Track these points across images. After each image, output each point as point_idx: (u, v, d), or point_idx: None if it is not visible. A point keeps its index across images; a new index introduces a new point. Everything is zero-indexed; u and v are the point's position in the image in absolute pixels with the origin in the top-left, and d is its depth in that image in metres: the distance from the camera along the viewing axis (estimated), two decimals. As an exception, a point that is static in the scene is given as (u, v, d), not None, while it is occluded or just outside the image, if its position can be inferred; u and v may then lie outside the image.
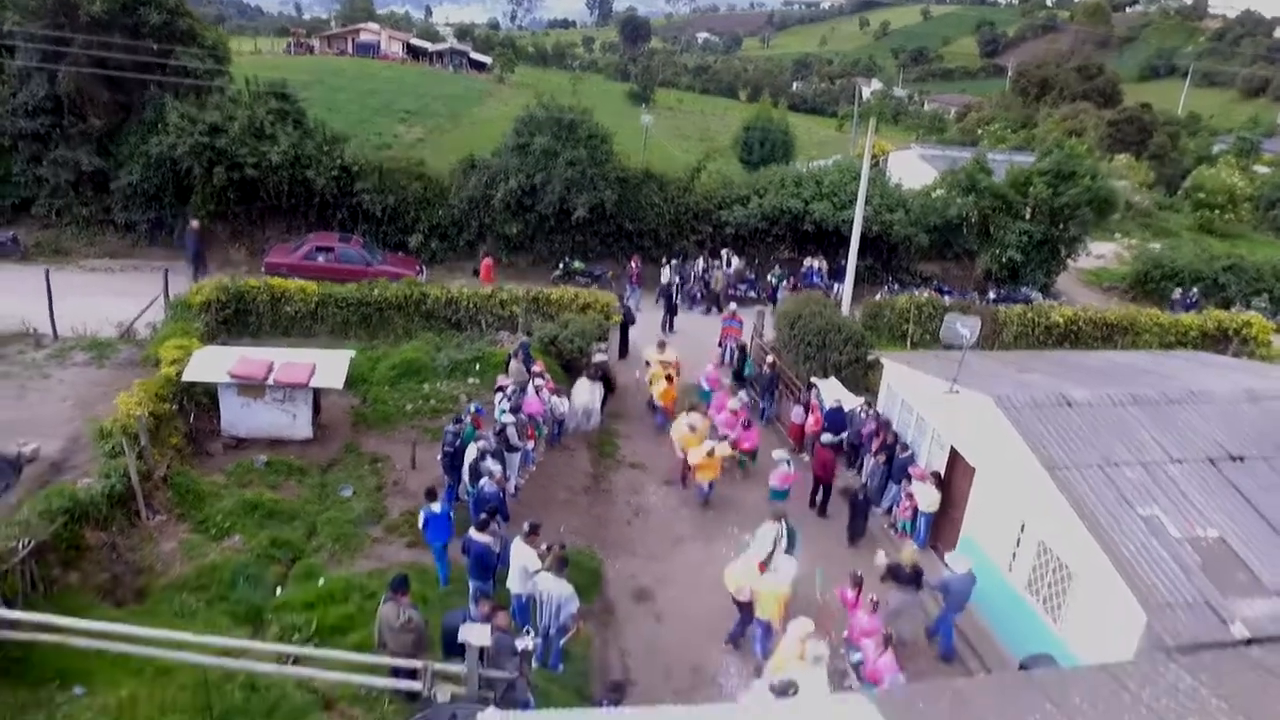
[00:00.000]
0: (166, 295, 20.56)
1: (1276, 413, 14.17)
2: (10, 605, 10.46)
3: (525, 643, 10.47)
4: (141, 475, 13.75)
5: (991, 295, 29.96)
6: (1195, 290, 32.24)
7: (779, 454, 17.21)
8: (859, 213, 23.90)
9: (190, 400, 16.60)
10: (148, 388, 15.38)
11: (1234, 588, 11.11)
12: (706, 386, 20.86)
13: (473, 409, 16.13)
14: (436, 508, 13.44)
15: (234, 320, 20.77)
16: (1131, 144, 58.89)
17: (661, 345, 21.23)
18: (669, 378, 20.14)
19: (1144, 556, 11.27)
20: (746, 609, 13.39)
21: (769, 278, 29.44)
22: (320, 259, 24.60)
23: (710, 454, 16.93)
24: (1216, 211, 46.50)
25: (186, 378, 16.22)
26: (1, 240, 25.22)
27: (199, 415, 16.76)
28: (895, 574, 13.32)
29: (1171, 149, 61.24)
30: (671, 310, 26.12)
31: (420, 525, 13.73)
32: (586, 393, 19.20)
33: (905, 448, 17.11)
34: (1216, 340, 25.71)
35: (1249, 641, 10.47)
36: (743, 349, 22.91)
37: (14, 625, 10.22)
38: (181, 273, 24.31)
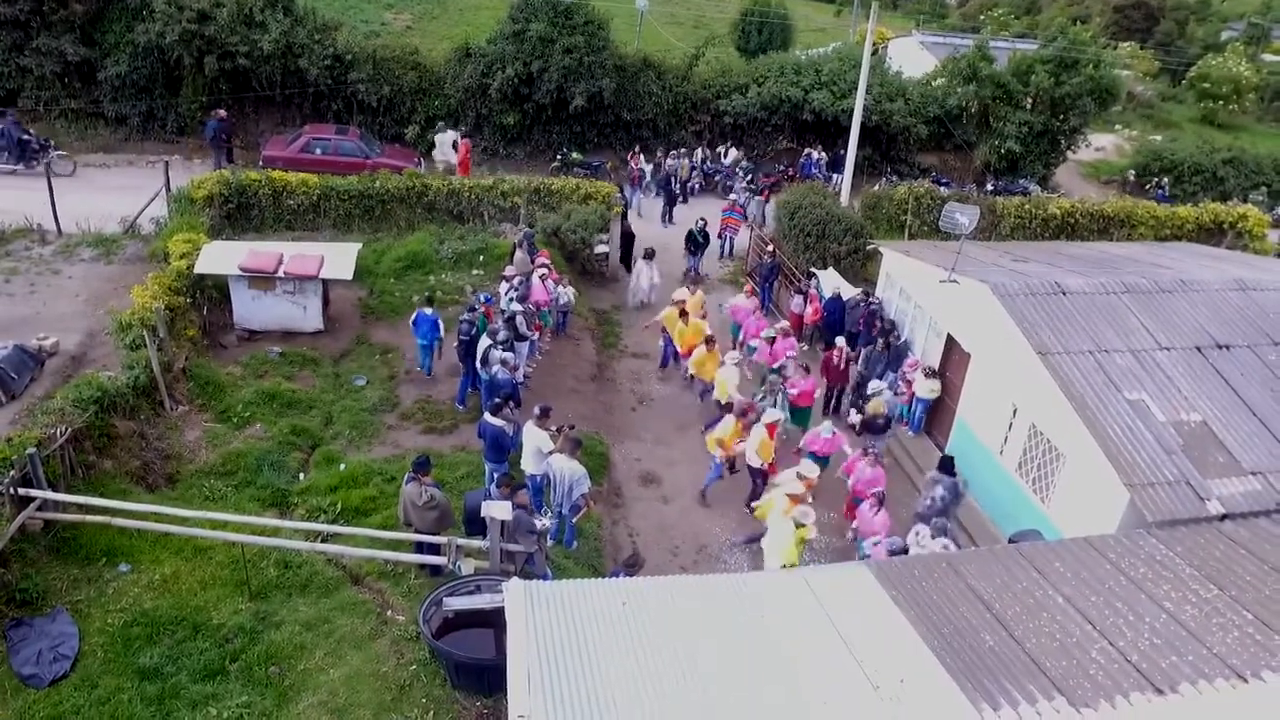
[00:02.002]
0: (168, 189, 20.49)
1: (1264, 303, 14.57)
2: (54, 489, 10.99)
3: (543, 522, 11.09)
4: (162, 366, 14.13)
5: (989, 187, 29.92)
6: (1165, 181, 32.44)
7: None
8: (859, 102, 23.69)
9: (203, 294, 16.88)
10: (161, 281, 15.62)
11: (1213, 468, 11.74)
12: (734, 319, 18.86)
13: (482, 299, 16.46)
14: (429, 311, 16.11)
15: (237, 214, 20.75)
16: (1137, 31, 57.51)
17: (686, 277, 19.60)
18: (683, 313, 17.56)
19: (1129, 438, 11.84)
20: (760, 475, 14.26)
21: (738, 170, 28.75)
22: (317, 151, 24.42)
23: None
24: (1220, 103, 45.80)
25: (199, 270, 16.44)
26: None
27: (211, 309, 17.05)
28: (870, 426, 15.15)
29: (1179, 36, 59.80)
30: (671, 201, 26.12)
31: (411, 321, 16.33)
32: (648, 274, 20.72)
33: (898, 335, 17.56)
34: (1212, 233, 25.91)
35: (1223, 517, 11.16)
36: (704, 229, 22.51)
37: (61, 507, 10.80)
38: (180, 167, 24.15)
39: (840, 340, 17.39)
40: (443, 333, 16.48)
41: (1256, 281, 15.12)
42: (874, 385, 16.03)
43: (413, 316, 16.38)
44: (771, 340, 17.05)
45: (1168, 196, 31.03)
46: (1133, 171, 33.28)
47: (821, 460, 14.35)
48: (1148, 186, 32.25)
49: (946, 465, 13.53)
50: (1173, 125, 44.04)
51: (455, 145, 25.87)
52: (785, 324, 18.49)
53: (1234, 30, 65.62)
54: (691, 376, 17.32)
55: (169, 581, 10.97)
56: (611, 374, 18.48)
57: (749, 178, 27.94)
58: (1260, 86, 47.89)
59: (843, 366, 17.18)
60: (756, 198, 26.08)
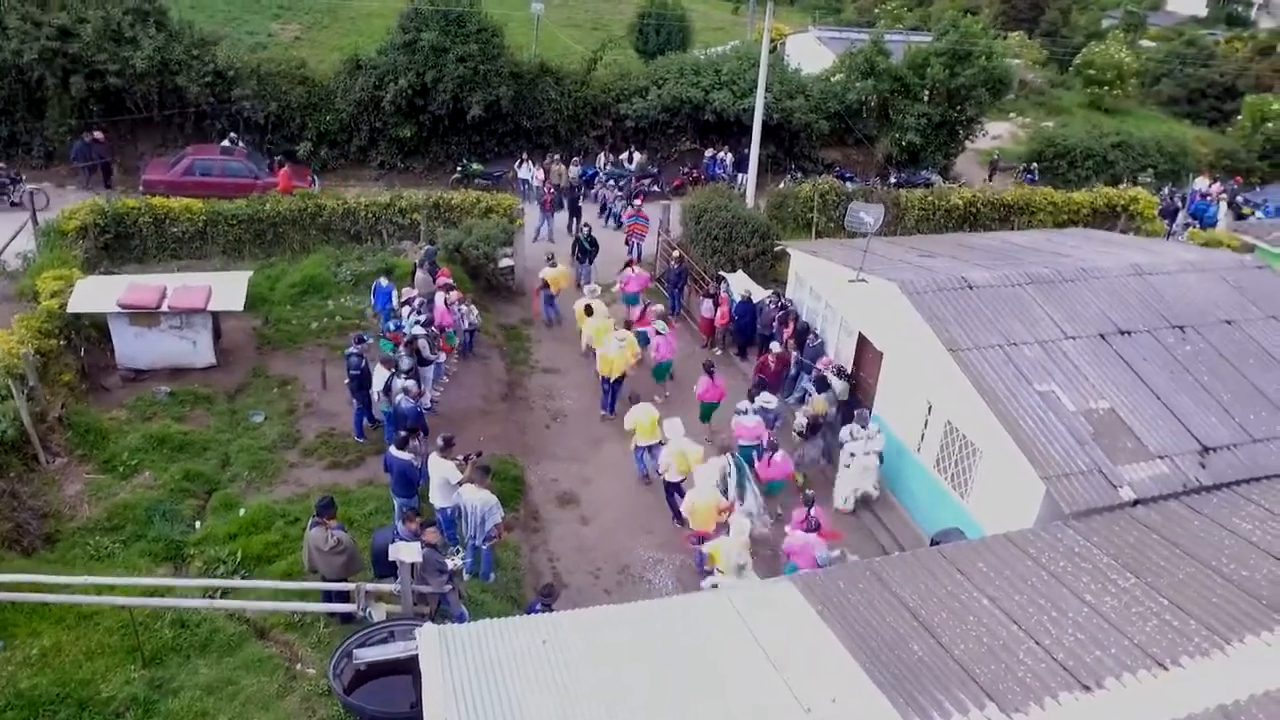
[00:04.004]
0: (35, 220, 19.16)
1: (1160, 287, 14.92)
2: (-92, 564, 10.01)
3: (454, 561, 10.57)
4: (35, 417, 13.10)
5: (893, 179, 30.32)
6: (1035, 166, 33.74)
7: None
8: (759, 101, 23.68)
9: (79, 335, 15.75)
10: (29, 323, 14.51)
11: (1122, 454, 11.90)
12: (630, 290, 19.99)
13: (392, 325, 15.82)
14: (385, 282, 17.84)
15: (115, 246, 19.51)
16: (1024, 21, 59.37)
17: (550, 258, 20.12)
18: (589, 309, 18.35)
19: (1042, 430, 11.92)
20: (676, 489, 13.96)
21: (617, 188, 27.84)
22: (200, 174, 23.26)
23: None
24: (1105, 88, 47.54)
25: (72, 309, 15.34)
26: None
27: (90, 350, 15.93)
28: (814, 427, 15.09)
29: (1063, 25, 61.92)
30: (575, 212, 25.60)
31: (372, 292, 17.98)
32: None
33: (816, 335, 17.51)
34: (1106, 217, 26.68)
35: (1135, 503, 11.31)
36: (590, 236, 22.24)
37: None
38: (51, 196, 22.71)
39: (775, 345, 17.36)
40: (396, 302, 17.36)
41: (1152, 266, 15.48)
42: (762, 397, 15.56)
43: (372, 291, 17.94)
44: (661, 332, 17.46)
45: (1036, 180, 32.06)
46: (996, 155, 35.24)
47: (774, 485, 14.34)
48: (1015, 174, 33.42)
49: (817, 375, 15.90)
50: (1063, 111, 45.52)
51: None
52: (661, 307, 18.86)
53: (1113, 19, 68.24)
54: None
55: (49, 655, 10.07)
56: (524, 392, 17.96)
57: (612, 183, 27.58)
58: (1140, 72, 49.84)
59: (777, 368, 17.07)
60: (662, 200, 25.73)
